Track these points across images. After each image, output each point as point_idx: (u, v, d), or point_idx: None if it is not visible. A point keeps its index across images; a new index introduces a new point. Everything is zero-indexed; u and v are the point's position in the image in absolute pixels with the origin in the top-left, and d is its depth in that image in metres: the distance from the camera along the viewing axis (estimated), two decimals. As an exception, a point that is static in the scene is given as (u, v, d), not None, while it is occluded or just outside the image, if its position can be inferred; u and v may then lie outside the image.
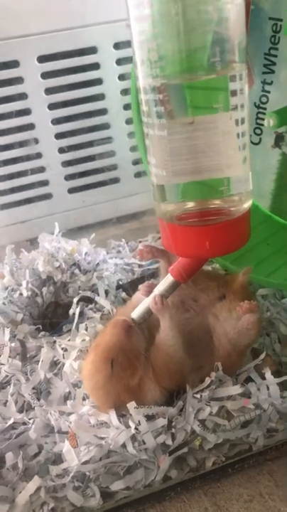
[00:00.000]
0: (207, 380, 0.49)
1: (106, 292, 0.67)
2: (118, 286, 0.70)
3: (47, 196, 0.91)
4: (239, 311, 0.50)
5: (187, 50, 0.35)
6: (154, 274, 0.71)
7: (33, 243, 0.87)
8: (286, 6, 0.57)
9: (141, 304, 0.50)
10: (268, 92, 0.65)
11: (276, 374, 0.52)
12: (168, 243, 0.44)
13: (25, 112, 0.85)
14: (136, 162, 0.94)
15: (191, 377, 0.50)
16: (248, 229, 0.45)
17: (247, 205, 0.43)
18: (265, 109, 0.66)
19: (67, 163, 0.91)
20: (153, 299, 0.49)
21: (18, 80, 0.83)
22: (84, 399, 0.52)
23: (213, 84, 0.38)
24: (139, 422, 0.46)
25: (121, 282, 0.72)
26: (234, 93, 0.38)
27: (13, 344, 0.58)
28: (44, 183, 0.90)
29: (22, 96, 0.84)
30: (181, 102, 0.39)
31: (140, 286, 0.53)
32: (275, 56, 0.62)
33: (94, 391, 0.50)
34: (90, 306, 0.64)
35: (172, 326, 0.49)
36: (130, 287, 0.68)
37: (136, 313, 0.50)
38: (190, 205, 0.43)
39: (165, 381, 0.49)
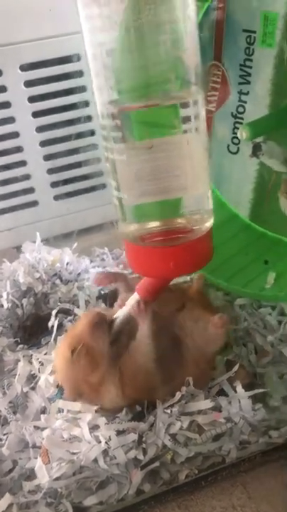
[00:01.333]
0: (178, 395, 0.49)
1: (87, 303, 0.68)
2: (99, 296, 0.70)
3: (32, 204, 0.92)
4: (212, 328, 0.51)
5: (143, 77, 0.36)
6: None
7: (19, 250, 0.87)
8: (259, 19, 0.57)
9: (121, 310, 0.51)
10: (245, 102, 0.65)
11: (250, 386, 0.52)
12: (132, 264, 0.45)
13: (9, 120, 0.85)
14: (121, 169, 0.94)
15: (161, 390, 0.50)
16: (211, 247, 0.46)
17: (209, 223, 0.44)
18: (242, 119, 0.66)
19: (53, 171, 0.91)
20: (137, 304, 0.49)
21: (1, 89, 0.83)
22: (60, 411, 0.53)
23: (169, 109, 0.38)
24: (109, 437, 0.47)
25: (103, 292, 0.72)
26: (188, 118, 0.38)
27: (-10, 358, 0.59)
28: (29, 190, 0.91)
29: (5, 104, 0.84)
30: (138, 127, 0.39)
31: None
32: (251, 67, 0.62)
33: (57, 371, 0.52)
34: (69, 317, 0.64)
35: (149, 334, 0.50)
36: (111, 296, 0.69)
37: (118, 315, 0.51)
38: (152, 225, 0.43)
39: (130, 389, 0.49)
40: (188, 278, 0.68)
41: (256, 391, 0.51)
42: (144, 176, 0.39)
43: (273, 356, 0.58)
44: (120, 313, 0.51)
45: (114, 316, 0.51)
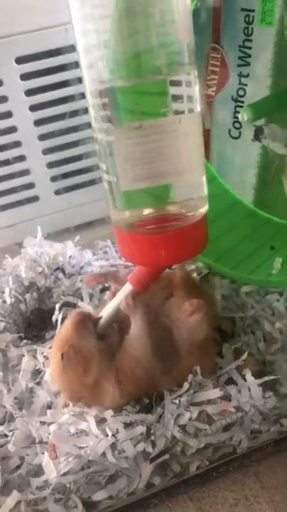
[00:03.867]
0: (186, 385, 0.48)
1: (91, 296, 0.67)
2: (103, 289, 0.69)
3: (33, 199, 0.91)
4: (183, 316, 0.49)
5: (132, 54, 0.34)
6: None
7: (21, 247, 0.86)
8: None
9: (108, 305, 0.50)
10: (245, 84, 0.64)
11: (260, 374, 0.51)
12: (125, 251, 0.43)
13: (6, 114, 0.84)
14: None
15: (161, 382, 0.49)
16: (206, 234, 0.44)
17: (203, 209, 0.42)
18: (243, 102, 0.65)
19: (52, 165, 0.90)
20: (125, 299, 0.48)
21: (-3, 83, 0.82)
22: (65, 406, 0.52)
23: (160, 87, 0.36)
24: (117, 430, 0.46)
25: (106, 285, 0.71)
26: (180, 97, 0.37)
27: (-6, 354, 0.58)
28: (29, 185, 0.90)
29: (2, 99, 0.83)
30: (127, 106, 0.37)
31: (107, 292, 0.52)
32: (250, 48, 0.61)
33: (52, 377, 0.52)
34: (73, 311, 0.63)
35: (142, 326, 0.49)
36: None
37: (103, 313, 0.50)
38: (145, 212, 0.42)
39: (129, 385, 0.48)
40: (193, 267, 0.67)
41: (266, 378, 0.49)
42: (134, 159, 0.38)
43: (282, 343, 0.57)
44: (107, 308, 0.50)
45: (100, 314, 0.50)
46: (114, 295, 0.50)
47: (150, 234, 0.41)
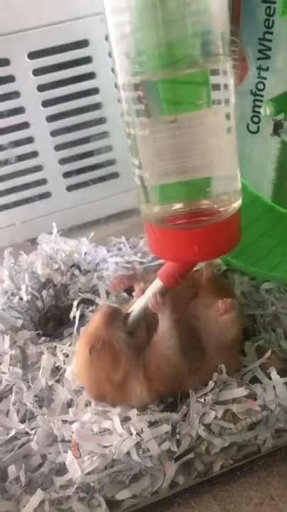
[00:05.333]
0: (211, 384, 0.48)
1: (108, 293, 0.66)
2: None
3: (45, 195, 0.90)
4: (217, 314, 0.49)
5: (167, 44, 0.33)
6: (156, 271, 0.69)
7: (33, 243, 0.86)
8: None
9: (136, 303, 0.49)
10: (265, 78, 0.62)
11: (283, 372, 0.50)
12: (155, 247, 0.43)
13: (19, 110, 0.83)
14: (134, 156, 0.92)
15: (188, 382, 0.49)
16: (239, 230, 0.43)
17: (237, 204, 0.41)
18: (262, 96, 0.64)
19: (64, 161, 0.89)
20: (153, 297, 0.47)
21: (10, 79, 0.81)
22: (86, 405, 0.51)
23: (195, 79, 0.35)
24: (142, 429, 0.45)
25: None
26: (217, 87, 0.36)
27: (13, 351, 0.57)
28: (42, 182, 0.89)
29: (14, 94, 0.82)
30: (162, 100, 0.36)
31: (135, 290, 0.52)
32: (270, 41, 0.59)
33: (77, 374, 0.51)
34: (91, 308, 0.63)
35: (171, 325, 0.48)
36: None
37: (133, 309, 0.49)
38: (176, 206, 0.41)
39: (156, 383, 0.48)
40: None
41: (292, 376, 0.49)
42: (168, 153, 0.37)
43: (304, 340, 0.56)
44: (136, 305, 0.49)
45: (130, 310, 0.49)
46: (142, 292, 0.49)
47: (183, 229, 0.40)
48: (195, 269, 0.57)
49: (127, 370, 0.47)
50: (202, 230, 0.40)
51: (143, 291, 0.50)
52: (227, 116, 0.38)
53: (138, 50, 0.34)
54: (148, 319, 0.49)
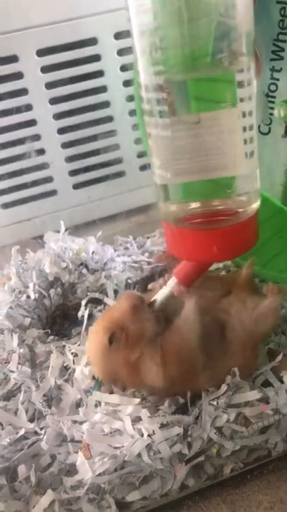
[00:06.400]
0: (224, 387, 0.47)
1: (115, 292, 0.66)
2: (127, 285, 0.68)
3: (52, 193, 0.90)
4: (268, 291, 0.50)
5: (192, 45, 0.33)
6: (163, 272, 0.69)
7: (39, 241, 0.85)
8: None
9: (161, 291, 0.49)
10: (277, 79, 0.62)
11: (295, 375, 0.50)
12: (172, 246, 0.42)
13: (26, 107, 0.83)
14: (141, 155, 0.92)
15: (202, 375, 0.48)
16: (257, 231, 0.43)
17: (255, 205, 0.41)
18: (274, 97, 0.63)
19: (71, 159, 0.89)
20: (177, 285, 0.47)
21: (18, 75, 0.81)
22: (96, 405, 0.51)
23: (220, 79, 0.35)
24: (153, 431, 0.45)
25: (129, 281, 0.70)
26: (241, 86, 0.36)
27: (21, 350, 0.57)
28: (48, 179, 0.89)
29: (22, 91, 0.82)
30: (185, 101, 0.36)
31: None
32: (284, 42, 0.59)
33: (92, 358, 0.51)
34: (99, 307, 0.63)
35: (195, 310, 0.48)
36: (139, 285, 0.67)
37: (158, 297, 0.49)
38: (196, 205, 0.41)
39: (172, 368, 0.47)
40: (221, 265, 0.66)
41: (304, 380, 0.48)
42: (189, 153, 0.37)
43: (314, 344, 0.56)
44: (160, 293, 0.49)
45: (154, 298, 0.49)
46: (165, 284, 0.49)
47: (202, 229, 0.40)
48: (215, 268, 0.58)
49: (143, 351, 0.47)
50: (223, 230, 0.40)
51: (166, 282, 0.49)
52: (249, 113, 0.38)
53: (162, 51, 0.34)
54: (168, 308, 0.49)
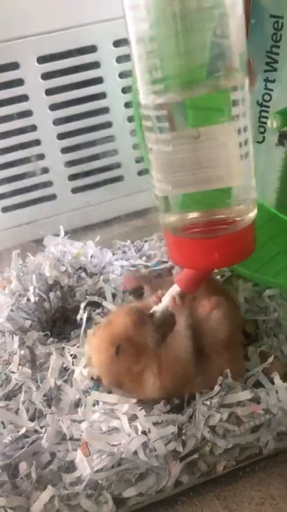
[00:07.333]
0: (217, 388, 0.49)
1: (114, 295, 0.68)
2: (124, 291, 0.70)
3: (51, 197, 0.92)
4: (202, 311, 0.51)
5: (189, 65, 0.35)
6: (161, 275, 0.71)
7: (38, 244, 0.87)
8: (287, 4, 0.57)
9: (160, 303, 0.52)
10: (271, 90, 0.64)
11: (285, 377, 0.52)
12: (173, 255, 0.44)
13: (27, 113, 0.85)
14: (139, 160, 0.94)
15: (195, 382, 0.51)
16: (254, 238, 0.45)
17: (253, 214, 0.43)
18: (268, 107, 0.65)
19: (70, 164, 0.91)
20: (173, 299, 0.50)
21: (19, 82, 0.83)
22: (94, 405, 0.53)
23: (217, 97, 0.37)
24: (149, 429, 0.47)
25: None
26: (236, 103, 0.38)
27: (22, 352, 0.58)
28: (48, 184, 0.90)
29: (23, 98, 0.84)
30: (184, 116, 0.38)
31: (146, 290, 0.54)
32: (277, 54, 0.61)
33: (98, 366, 0.52)
34: (98, 310, 0.64)
35: (187, 326, 0.50)
36: (137, 290, 0.69)
37: (157, 309, 0.52)
38: (195, 215, 0.43)
39: (167, 379, 0.50)
40: (215, 270, 0.68)
41: (294, 381, 0.50)
42: (189, 166, 0.39)
43: (306, 346, 0.58)
44: (159, 307, 0.52)
45: (152, 311, 0.52)
46: (159, 300, 0.52)
47: (201, 238, 0.42)
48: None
49: (146, 364, 0.50)
50: (223, 239, 0.42)
51: (159, 299, 0.52)
52: (244, 129, 0.40)
53: (162, 72, 0.36)
54: (166, 320, 0.52)
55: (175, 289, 0.50)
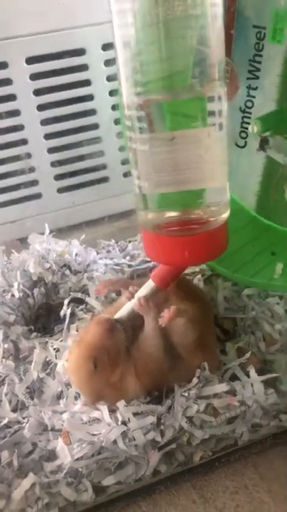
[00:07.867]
0: (195, 380, 0.51)
1: (97, 293, 0.69)
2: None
3: (36, 196, 0.92)
4: (161, 322, 0.51)
5: (169, 70, 0.37)
6: (143, 274, 0.73)
7: (23, 242, 0.88)
8: (270, 15, 0.59)
9: (125, 306, 0.53)
10: (253, 97, 0.67)
11: (260, 372, 0.54)
12: (149, 251, 0.46)
13: (14, 113, 0.86)
14: (124, 162, 0.95)
15: (170, 377, 0.52)
16: (227, 238, 0.47)
17: (225, 215, 0.45)
18: (250, 113, 0.68)
19: (57, 163, 0.92)
20: (138, 300, 0.51)
21: (7, 82, 0.83)
22: (76, 398, 0.54)
23: (193, 102, 0.39)
24: (129, 419, 0.48)
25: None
26: (212, 113, 0.40)
27: (6, 345, 0.59)
28: (34, 183, 0.91)
29: (10, 97, 0.84)
30: (162, 119, 0.40)
31: (123, 291, 0.55)
32: (260, 63, 0.64)
33: (78, 385, 0.53)
34: (81, 306, 0.66)
35: (155, 326, 0.52)
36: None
37: (119, 315, 0.53)
38: (171, 214, 0.45)
39: (145, 378, 0.51)
40: (197, 269, 0.70)
41: (269, 376, 0.52)
42: (165, 166, 0.41)
43: (282, 344, 0.60)
44: (124, 308, 0.53)
45: (116, 316, 0.53)
46: (132, 296, 0.53)
47: (176, 236, 0.44)
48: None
49: (122, 370, 0.51)
50: (194, 237, 0.44)
51: (132, 296, 0.53)
52: (220, 136, 0.42)
53: (143, 75, 0.38)
54: (134, 320, 0.53)
55: (149, 284, 0.51)
